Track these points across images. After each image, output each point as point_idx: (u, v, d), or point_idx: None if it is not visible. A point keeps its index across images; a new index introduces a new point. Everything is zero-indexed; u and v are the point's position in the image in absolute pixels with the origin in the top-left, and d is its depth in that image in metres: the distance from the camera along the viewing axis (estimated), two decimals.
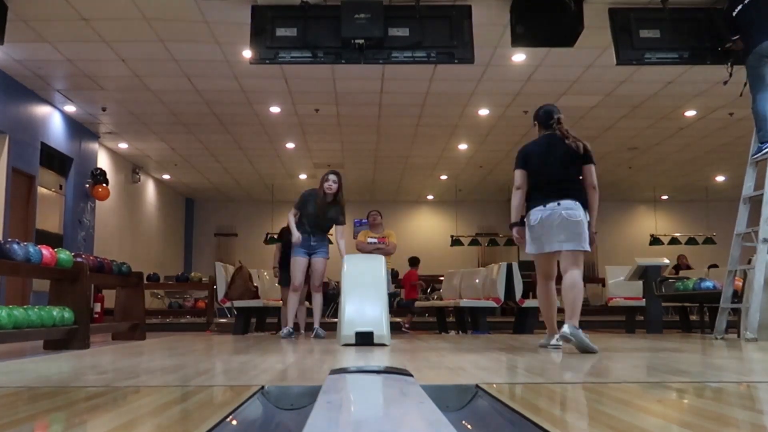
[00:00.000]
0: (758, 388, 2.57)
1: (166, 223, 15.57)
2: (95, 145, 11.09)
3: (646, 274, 8.04)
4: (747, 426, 1.73)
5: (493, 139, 11.41)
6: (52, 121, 9.54)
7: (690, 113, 9.88)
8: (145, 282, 7.88)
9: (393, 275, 7.02)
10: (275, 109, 9.68)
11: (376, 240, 7.52)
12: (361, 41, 5.83)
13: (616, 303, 8.85)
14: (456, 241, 15.49)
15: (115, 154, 12.26)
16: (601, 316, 11.41)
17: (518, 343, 5.31)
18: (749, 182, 5.98)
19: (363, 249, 7.48)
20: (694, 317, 9.21)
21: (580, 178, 4.43)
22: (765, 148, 5.58)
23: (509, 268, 8.09)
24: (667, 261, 8.55)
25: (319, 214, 6.29)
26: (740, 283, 6.29)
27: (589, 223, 4.39)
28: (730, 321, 6.09)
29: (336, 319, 5.66)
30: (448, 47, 6.07)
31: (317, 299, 6.44)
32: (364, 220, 15.81)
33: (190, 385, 2.58)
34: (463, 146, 11.98)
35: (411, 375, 2.56)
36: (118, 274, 6.14)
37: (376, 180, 14.73)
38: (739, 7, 5.55)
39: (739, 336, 5.85)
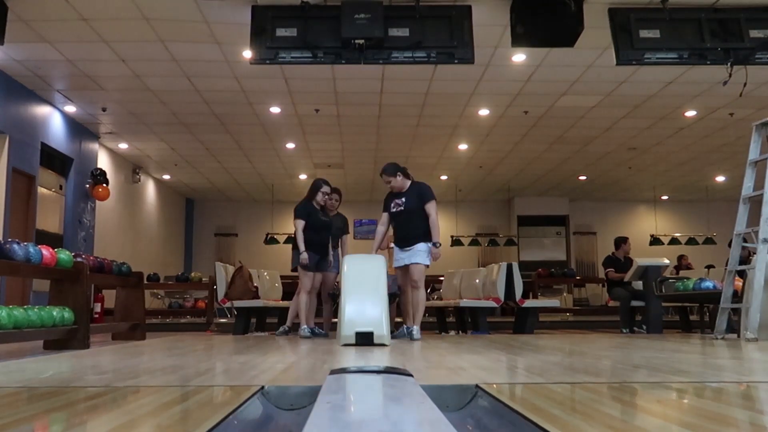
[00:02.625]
0: (758, 388, 2.57)
1: (166, 223, 15.57)
2: (95, 146, 11.09)
3: (646, 275, 8.04)
4: (747, 426, 1.73)
5: (493, 139, 11.41)
6: (52, 121, 9.54)
7: (690, 113, 9.88)
8: (145, 282, 7.88)
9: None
10: (275, 109, 9.68)
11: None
12: (361, 41, 5.83)
13: (616, 303, 8.85)
14: (456, 241, 15.48)
15: (115, 155, 12.26)
16: (601, 316, 11.43)
17: (518, 343, 5.31)
18: (749, 182, 5.99)
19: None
20: (694, 317, 9.21)
21: None
22: None
23: (509, 268, 8.09)
24: (667, 261, 8.54)
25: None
26: (740, 283, 6.29)
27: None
28: (730, 321, 6.10)
29: (336, 319, 5.66)
30: (448, 47, 6.07)
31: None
32: (364, 221, 15.86)
33: (190, 385, 2.58)
34: (463, 146, 11.98)
35: (411, 375, 2.56)
36: (118, 274, 6.14)
37: (376, 180, 14.71)
38: None
39: (739, 336, 5.85)
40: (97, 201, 11.01)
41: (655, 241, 15.23)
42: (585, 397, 2.25)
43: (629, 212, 17.23)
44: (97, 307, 6.29)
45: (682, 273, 11.08)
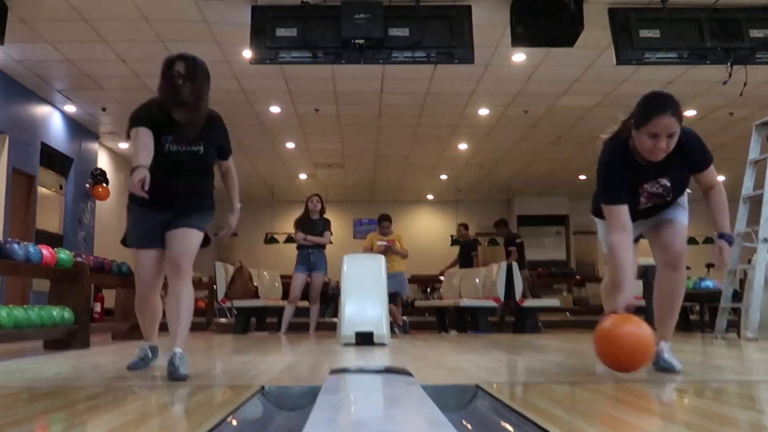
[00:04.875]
0: (758, 388, 2.57)
1: None
2: (95, 145, 11.09)
3: (646, 274, 8.03)
4: (747, 426, 1.73)
5: (493, 139, 11.41)
6: (52, 121, 9.54)
7: (690, 113, 9.87)
8: None
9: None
10: (275, 109, 9.68)
11: (385, 243, 7.54)
12: (361, 41, 5.83)
13: None
14: (456, 241, 15.48)
15: (115, 154, 12.26)
16: (601, 316, 11.41)
17: (518, 343, 5.31)
18: (749, 182, 5.99)
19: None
20: (694, 317, 9.21)
21: None
22: None
23: (509, 268, 8.10)
24: None
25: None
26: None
27: None
28: (730, 320, 6.10)
29: (336, 319, 5.66)
30: (448, 47, 6.07)
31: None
32: (364, 221, 15.86)
33: (190, 385, 2.58)
34: (463, 146, 11.98)
35: (411, 375, 2.57)
36: (118, 274, 6.14)
37: (376, 180, 14.72)
38: None
39: (739, 335, 5.85)
40: (97, 201, 11.01)
41: None
42: (585, 397, 2.25)
43: None
44: (97, 307, 6.29)
45: None
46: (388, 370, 2.69)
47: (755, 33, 6.05)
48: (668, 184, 2.98)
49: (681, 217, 3.11)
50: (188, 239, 3.11)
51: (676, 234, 3.05)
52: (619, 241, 2.89)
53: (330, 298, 11.75)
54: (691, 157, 2.99)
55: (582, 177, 14.49)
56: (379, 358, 3.84)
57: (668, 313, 3.09)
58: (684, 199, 3.17)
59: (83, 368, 3.40)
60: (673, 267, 3.04)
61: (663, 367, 2.91)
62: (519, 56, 7.69)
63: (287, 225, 16.64)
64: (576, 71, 8.15)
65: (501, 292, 7.95)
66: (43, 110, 9.25)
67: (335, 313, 8.00)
